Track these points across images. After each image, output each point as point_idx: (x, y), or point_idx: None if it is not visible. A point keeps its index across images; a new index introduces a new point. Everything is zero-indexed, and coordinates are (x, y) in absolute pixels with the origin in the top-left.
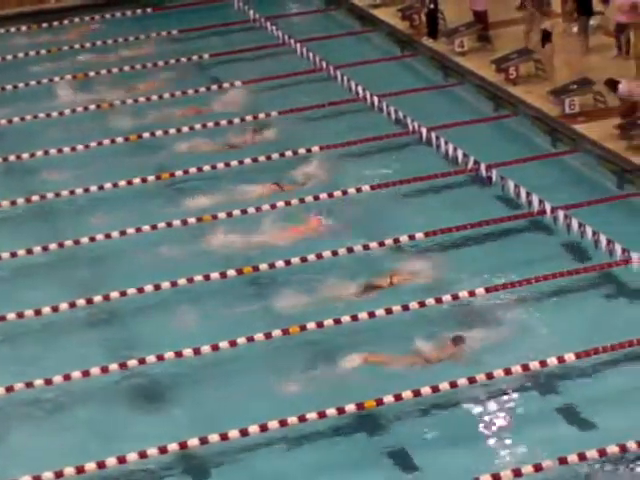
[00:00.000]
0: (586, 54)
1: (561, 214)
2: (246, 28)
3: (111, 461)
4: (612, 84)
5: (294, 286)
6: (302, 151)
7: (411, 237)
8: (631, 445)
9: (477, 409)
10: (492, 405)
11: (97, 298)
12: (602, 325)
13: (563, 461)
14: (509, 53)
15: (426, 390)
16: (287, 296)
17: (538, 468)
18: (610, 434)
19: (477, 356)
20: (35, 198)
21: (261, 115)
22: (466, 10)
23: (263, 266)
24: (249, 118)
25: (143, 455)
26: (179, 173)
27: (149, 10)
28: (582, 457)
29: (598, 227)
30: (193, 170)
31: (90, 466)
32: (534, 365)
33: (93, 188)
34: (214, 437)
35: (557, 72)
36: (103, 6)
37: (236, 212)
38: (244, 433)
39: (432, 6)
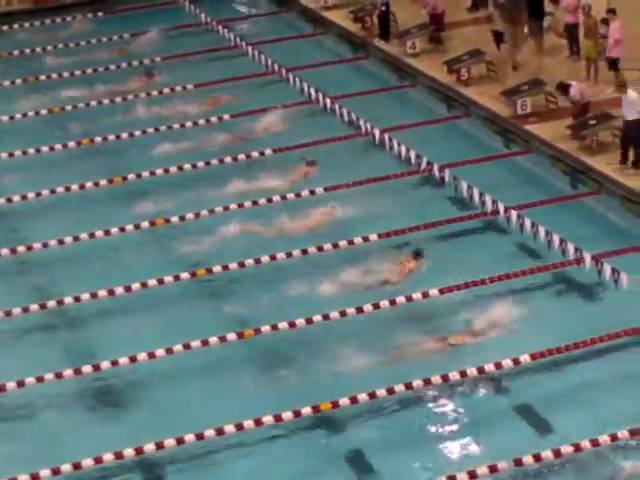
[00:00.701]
0: (540, 55)
1: (514, 214)
2: (198, 31)
3: (66, 467)
4: (563, 88)
5: (246, 287)
6: (255, 154)
7: (365, 239)
8: (585, 445)
9: (432, 411)
10: (447, 407)
11: (51, 303)
12: (556, 325)
13: (518, 462)
14: (461, 54)
15: (381, 392)
16: (241, 298)
17: (493, 469)
18: (565, 435)
19: (430, 356)
20: None
21: (213, 118)
22: (418, 12)
23: (217, 268)
24: (202, 122)
25: (99, 460)
26: (132, 177)
27: (100, 14)
28: (537, 458)
29: (551, 227)
30: (146, 174)
31: (45, 472)
32: (489, 367)
33: (45, 192)
34: (170, 442)
35: (510, 73)
36: (54, 10)
37: (189, 216)
38: (200, 437)
39: (384, 8)
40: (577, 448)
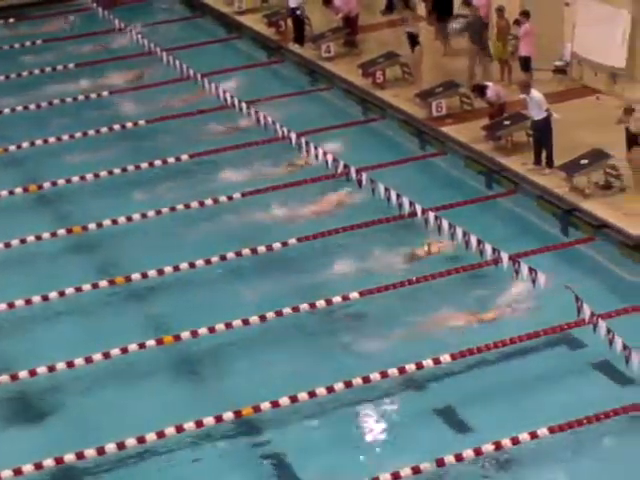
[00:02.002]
0: (450, 57)
1: (431, 216)
2: (111, 37)
3: None
4: (479, 90)
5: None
6: (171, 160)
7: (284, 244)
8: (506, 443)
9: (354, 413)
10: (369, 409)
11: None
12: (474, 326)
13: (440, 462)
14: (375, 57)
15: (303, 396)
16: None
17: (416, 470)
18: (485, 433)
19: (353, 358)
20: None
21: (128, 124)
22: (332, 15)
23: (135, 276)
24: (117, 127)
25: (18, 472)
26: (47, 185)
27: (11, 20)
28: (459, 458)
29: (468, 228)
30: (62, 182)
31: None
32: (410, 367)
33: None
34: (90, 452)
35: (424, 75)
36: None
37: (106, 222)
38: (121, 446)
39: (298, 12)
40: (498, 446)
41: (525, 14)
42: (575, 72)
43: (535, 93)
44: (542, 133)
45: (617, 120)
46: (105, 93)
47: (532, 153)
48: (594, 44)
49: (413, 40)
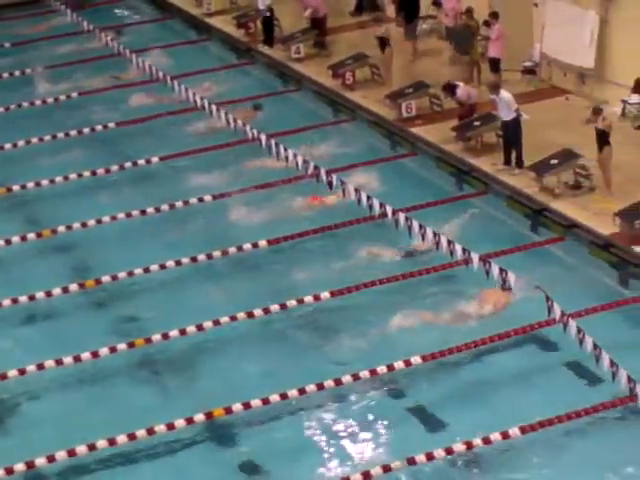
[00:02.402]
0: (421, 58)
1: (402, 217)
2: (80, 39)
3: None
4: (450, 89)
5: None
6: (142, 162)
7: (254, 245)
8: (477, 442)
9: (326, 414)
10: (340, 410)
11: None
12: (446, 326)
13: (411, 461)
14: (345, 58)
15: (274, 397)
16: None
17: (387, 469)
18: (456, 432)
19: (324, 359)
20: None
21: (98, 127)
22: (301, 17)
23: (106, 279)
24: (87, 130)
25: None
26: (17, 188)
27: None
28: (430, 457)
29: (438, 228)
30: (31, 185)
31: None
32: (382, 369)
33: None
34: (61, 454)
35: (393, 76)
36: None
37: (76, 225)
38: (92, 448)
39: (267, 14)
40: (469, 446)
41: (494, 15)
42: (544, 73)
43: (504, 94)
44: (512, 133)
45: (586, 120)
46: (74, 95)
47: (502, 154)
48: (563, 45)
49: (383, 42)
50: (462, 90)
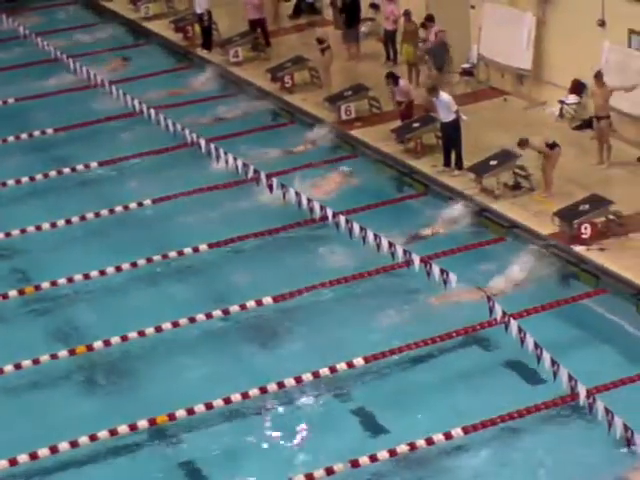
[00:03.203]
0: (359, 61)
1: (342, 219)
2: (16, 44)
3: None
4: (393, 77)
5: (80, 300)
6: (80, 167)
7: (195, 250)
8: (420, 443)
9: (267, 417)
10: (284, 413)
11: None
12: (390, 327)
13: (355, 464)
14: (283, 62)
15: (218, 402)
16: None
17: (330, 472)
18: (399, 434)
19: (267, 363)
20: None
21: (36, 133)
22: (239, 20)
23: (45, 285)
24: (24, 136)
25: None
26: None
27: None
28: (373, 459)
29: (380, 230)
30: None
31: None
32: (324, 371)
33: None
34: (3, 463)
35: (332, 79)
36: None
37: (15, 232)
38: (34, 457)
39: (206, 17)
40: (412, 447)
41: (430, 18)
42: (482, 74)
43: (444, 95)
44: (451, 135)
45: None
46: (11, 100)
47: (442, 155)
48: (500, 46)
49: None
50: (404, 82)
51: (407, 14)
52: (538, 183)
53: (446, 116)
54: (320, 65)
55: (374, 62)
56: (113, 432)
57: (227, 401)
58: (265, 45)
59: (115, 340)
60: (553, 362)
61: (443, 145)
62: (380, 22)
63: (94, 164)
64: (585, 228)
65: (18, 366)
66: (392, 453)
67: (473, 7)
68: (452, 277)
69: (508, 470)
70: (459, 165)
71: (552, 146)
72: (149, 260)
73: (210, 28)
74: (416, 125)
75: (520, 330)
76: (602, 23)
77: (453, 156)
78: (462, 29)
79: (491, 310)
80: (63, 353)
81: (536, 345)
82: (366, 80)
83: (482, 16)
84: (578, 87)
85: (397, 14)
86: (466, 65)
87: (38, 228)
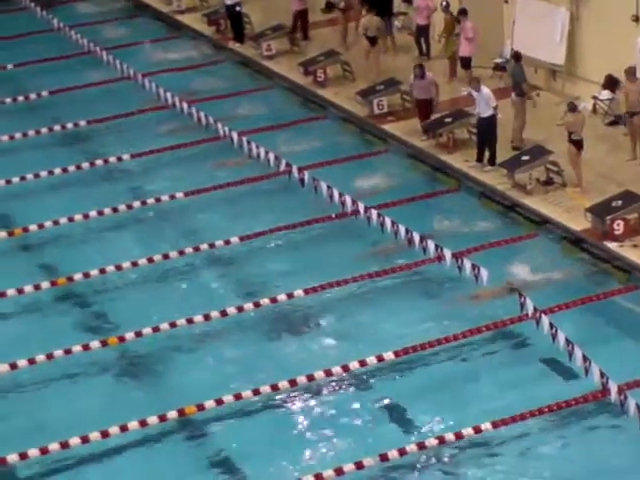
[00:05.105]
0: (392, 54)
1: (374, 213)
2: (50, 37)
3: None
4: (421, 70)
5: (113, 292)
6: (113, 159)
7: (226, 242)
8: (450, 437)
9: (297, 410)
10: (313, 406)
11: None
12: (419, 321)
13: (384, 457)
14: (316, 55)
15: (247, 394)
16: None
17: (360, 466)
18: (429, 428)
19: (293, 361)
20: None
21: (69, 125)
22: (272, 14)
23: (78, 276)
24: (57, 128)
25: None
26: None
27: None
28: (402, 452)
29: (411, 225)
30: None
31: None
32: (353, 365)
33: None
34: (34, 451)
35: (365, 73)
36: None
37: (48, 224)
38: (65, 446)
39: (237, 9)
40: (441, 441)
41: (463, 12)
42: (517, 69)
43: (485, 90)
44: (487, 131)
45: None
46: (45, 93)
47: (474, 150)
48: (533, 41)
49: (372, 40)
50: (430, 78)
51: (445, 6)
52: (570, 179)
53: (484, 111)
54: (372, 55)
55: (407, 56)
56: (143, 423)
57: (256, 392)
58: (303, 38)
59: (146, 331)
60: (585, 358)
61: (477, 140)
62: (413, 16)
63: (126, 156)
64: (617, 224)
65: (50, 356)
66: (421, 447)
67: (507, 1)
68: (483, 272)
69: (537, 465)
70: (492, 161)
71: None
72: (181, 252)
73: (241, 21)
74: (448, 120)
75: (551, 326)
76: (636, 19)
77: (486, 152)
78: (495, 24)
79: (522, 305)
80: (95, 344)
81: (567, 341)
82: (398, 74)
83: (515, 11)
84: (611, 83)
85: (432, 7)
86: (499, 60)
87: (70, 220)
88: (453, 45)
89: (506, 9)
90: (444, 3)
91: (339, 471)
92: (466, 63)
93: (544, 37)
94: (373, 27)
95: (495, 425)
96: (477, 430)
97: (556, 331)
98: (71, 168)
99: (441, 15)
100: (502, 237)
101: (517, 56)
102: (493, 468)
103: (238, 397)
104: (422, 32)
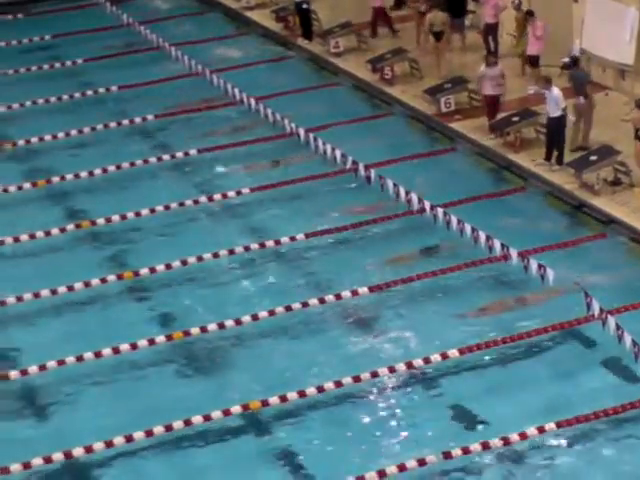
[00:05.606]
0: (460, 53)
1: (440, 212)
2: (120, 33)
3: None
4: (494, 57)
5: (177, 286)
6: (180, 155)
7: (292, 239)
8: (514, 437)
9: (361, 407)
10: (376, 403)
11: None
12: (484, 319)
13: (447, 455)
14: (384, 53)
15: (311, 390)
16: (172, 296)
17: (422, 462)
18: (493, 427)
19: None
20: None
21: (137, 120)
22: (341, 11)
23: (144, 271)
24: (126, 122)
25: (27, 466)
26: (56, 179)
27: (20, 15)
28: (466, 451)
29: (477, 224)
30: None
31: None
32: (417, 362)
33: None
34: (99, 445)
35: (433, 71)
36: None
37: (115, 217)
38: (129, 439)
39: (305, 6)
40: (505, 441)
41: (530, 13)
42: (584, 68)
43: (555, 90)
44: (555, 131)
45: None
46: (114, 88)
47: (540, 149)
48: (602, 41)
49: (438, 35)
50: (499, 70)
51: (518, 5)
52: (638, 180)
53: (553, 111)
54: (435, 51)
55: (475, 55)
56: (207, 417)
57: (320, 389)
58: (392, 32)
59: (212, 327)
60: None
61: (546, 139)
62: (481, 14)
63: (193, 151)
64: None
65: (116, 350)
66: (485, 446)
67: (576, 1)
68: (550, 272)
69: (600, 467)
70: (560, 161)
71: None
72: (247, 248)
73: (309, 18)
74: (516, 119)
75: (618, 327)
76: None
77: (554, 151)
78: (564, 23)
79: (588, 306)
80: (160, 338)
81: (634, 342)
82: (466, 73)
83: (585, 10)
84: None
85: (500, 6)
86: (567, 59)
87: (138, 214)
88: (524, 44)
89: (575, 8)
90: (516, 1)
91: (402, 467)
92: (534, 62)
93: (613, 37)
94: (439, 22)
95: (559, 425)
96: (541, 430)
97: (622, 332)
98: (139, 162)
99: (511, 13)
100: (568, 237)
101: (575, 61)
102: (555, 469)
103: (302, 394)
104: (490, 30)
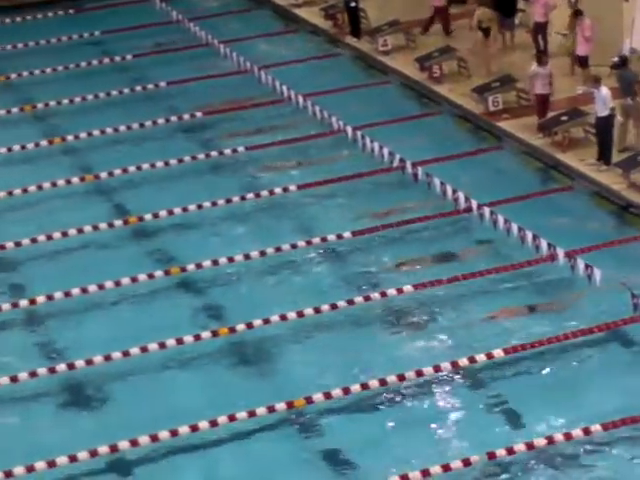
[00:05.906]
0: (509, 52)
1: (487, 211)
2: (169, 29)
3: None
4: (545, 55)
5: (223, 283)
6: (228, 152)
7: (339, 237)
8: (559, 438)
9: (405, 406)
10: (420, 402)
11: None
12: (529, 319)
13: (492, 455)
14: (432, 51)
15: (355, 388)
16: (217, 292)
17: (466, 462)
18: (538, 428)
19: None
20: None
21: (186, 116)
22: (389, 9)
23: (190, 267)
24: (174, 119)
25: (73, 459)
26: (104, 175)
27: (71, 11)
28: (510, 451)
29: (523, 223)
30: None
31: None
32: (463, 362)
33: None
34: (144, 439)
35: (481, 70)
36: (23, 7)
37: (147, 216)
38: (174, 434)
39: (353, 4)
40: (550, 441)
41: (578, 13)
42: (634, 68)
43: (604, 89)
44: (602, 130)
45: None
46: (163, 84)
47: (588, 149)
48: None
49: (486, 31)
50: (548, 68)
51: (575, 2)
52: None
53: (601, 110)
54: (481, 48)
55: (524, 54)
56: (251, 413)
57: (365, 387)
58: (447, 32)
59: (257, 323)
60: None
61: (597, 139)
62: (531, 13)
63: (241, 148)
64: None
65: (162, 345)
66: (529, 446)
67: (626, 0)
68: (597, 272)
69: None
70: (607, 161)
71: None
72: (293, 246)
73: (358, 16)
74: (564, 118)
75: None
76: None
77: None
78: (615, 22)
79: (635, 307)
80: (206, 334)
81: None
82: (515, 71)
83: (635, 9)
84: None
85: (550, 4)
86: (617, 59)
87: (184, 210)
88: (573, 43)
89: (626, 7)
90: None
91: (446, 467)
92: (584, 62)
93: None
94: (486, 19)
95: (605, 427)
96: (587, 432)
97: None
98: (187, 158)
99: (560, 12)
100: (615, 237)
101: (624, 61)
102: (601, 472)
103: (346, 391)
104: (540, 29)
